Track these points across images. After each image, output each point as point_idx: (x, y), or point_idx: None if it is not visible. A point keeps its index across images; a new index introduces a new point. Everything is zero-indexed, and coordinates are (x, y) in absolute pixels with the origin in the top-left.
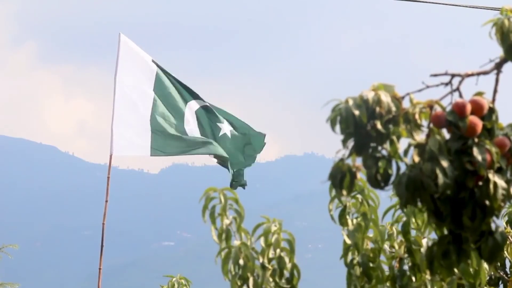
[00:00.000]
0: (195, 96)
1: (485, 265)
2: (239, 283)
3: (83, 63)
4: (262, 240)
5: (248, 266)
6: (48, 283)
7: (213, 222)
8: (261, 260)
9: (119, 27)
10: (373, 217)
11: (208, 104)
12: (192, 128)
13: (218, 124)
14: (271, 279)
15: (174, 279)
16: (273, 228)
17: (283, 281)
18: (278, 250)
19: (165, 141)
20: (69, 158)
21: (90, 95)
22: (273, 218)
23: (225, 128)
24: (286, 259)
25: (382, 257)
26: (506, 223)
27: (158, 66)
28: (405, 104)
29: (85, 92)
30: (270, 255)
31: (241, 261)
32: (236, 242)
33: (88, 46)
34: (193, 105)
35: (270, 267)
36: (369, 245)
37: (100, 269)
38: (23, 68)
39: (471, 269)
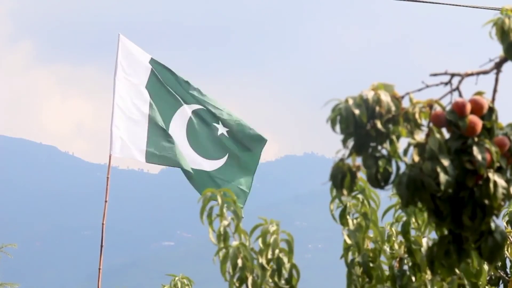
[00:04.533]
0: (190, 100)
1: (485, 265)
2: (237, 284)
3: (80, 62)
4: (260, 241)
5: (247, 266)
6: (48, 283)
7: (211, 223)
8: (260, 260)
9: (116, 26)
10: (373, 218)
11: (203, 107)
12: (177, 137)
13: (215, 124)
14: (270, 280)
15: (176, 278)
16: (271, 229)
17: (283, 281)
18: (276, 251)
19: (159, 148)
20: (69, 158)
21: (88, 94)
22: (271, 219)
23: (221, 129)
24: (285, 259)
25: (382, 258)
26: (507, 223)
27: (154, 66)
28: (405, 103)
29: (83, 91)
30: (269, 256)
31: (239, 261)
32: (234, 243)
33: (85, 45)
34: (186, 111)
35: (269, 267)
36: (369, 245)
37: (100, 269)
38: (19, 68)
39: (472, 269)
